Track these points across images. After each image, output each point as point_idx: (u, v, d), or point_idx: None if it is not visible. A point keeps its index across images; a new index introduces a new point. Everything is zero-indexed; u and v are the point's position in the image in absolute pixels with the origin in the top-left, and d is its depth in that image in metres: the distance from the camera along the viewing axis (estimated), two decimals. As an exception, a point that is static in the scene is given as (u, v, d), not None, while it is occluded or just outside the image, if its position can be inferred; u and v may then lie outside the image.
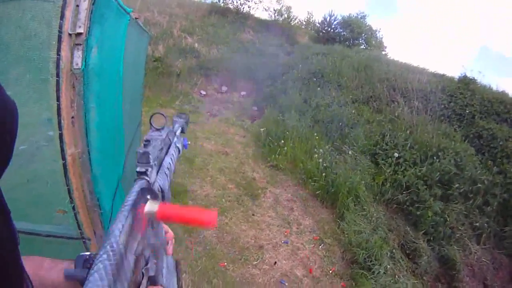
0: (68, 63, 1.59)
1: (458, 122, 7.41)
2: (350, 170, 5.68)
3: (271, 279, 3.96)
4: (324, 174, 5.71)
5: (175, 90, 9.95)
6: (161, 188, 0.73)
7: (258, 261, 4.18)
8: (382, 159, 6.11)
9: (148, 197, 0.63)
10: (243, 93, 10.75)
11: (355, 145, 6.46)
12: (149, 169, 0.69)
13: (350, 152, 6.24)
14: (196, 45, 12.14)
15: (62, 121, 1.63)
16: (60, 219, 1.99)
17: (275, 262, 4.23)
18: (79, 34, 1.59)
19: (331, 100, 8.15)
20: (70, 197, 1.80)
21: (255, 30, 15.07)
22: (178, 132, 1.13)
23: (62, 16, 1.56)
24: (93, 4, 1.67)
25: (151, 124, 0.89)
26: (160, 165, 0.80)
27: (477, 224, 5.37)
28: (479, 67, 31.47)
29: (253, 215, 5.02)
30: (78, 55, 1.61)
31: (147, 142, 0.74)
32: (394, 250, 4.75)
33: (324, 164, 5.94)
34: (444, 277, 4.84)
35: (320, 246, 4.70)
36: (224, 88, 10.88)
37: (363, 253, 4.44)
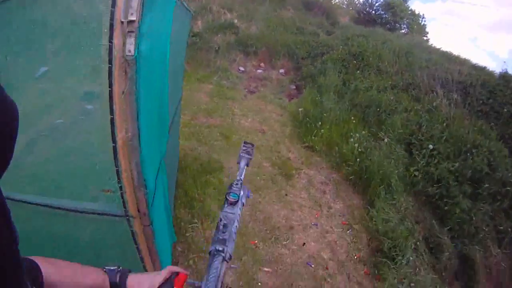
0: (121, 50, 1.59)
1: (495, 120, 7.14)
2: (384, 158, 5.64)
3: (298, 260, 4.07)
4: (358, 159, 5.69)
5: (214, 66, 9.84)
6: (230, 255, 0.89)
7: (288, 241, 4.28)
8: (417, 150, 6.02)
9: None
10: (281, 70, 10.52)
11: (391, 133, 6.36)
12: (225, 248, 0.88)
13: (386, 140, 6.18)
14: (236, 21, 11.92)
15: (114, 106, 1.64)
16: (102, 196, 2.05)
17: (304, 243, 4.32)
18: (132, 21, 1.59)
19: (370, 84, 8.01)
20: (119, 178, 1.84)
21: (295, 8, 14.67)
22: (243, 175, 1.17)
23: (113, 4, 1.54)
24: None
25: (226, 198, 1.00)
26: (230, 234, 0.93)
27: (502, 227, 5.30)
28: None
29: (286, 195, 5.08)
30: (131, 42, 1.60)
31: (225, 228, 0.91)
32: (418, 243, 4.75)
33: (359, 149, 5.91)
34: (461, 275, 4.85)
35: (348, 231, 4.77)
36: (262, 65, 10.67)
37: (388, 243, 4.48)
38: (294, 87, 9.50)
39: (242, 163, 1.23)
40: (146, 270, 2.35)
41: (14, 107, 0.59)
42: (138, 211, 2.02)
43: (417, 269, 4.46)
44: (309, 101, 7.57)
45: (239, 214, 1.02)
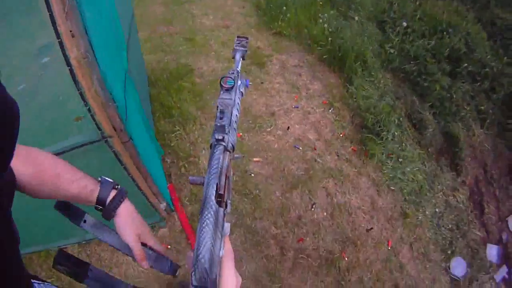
0: None
1: (471, 3, 6.80)
2: (356, 36, 5.34)
3: (286, 144, 4.18)
4: (330, 39, 5.34)
5: None
6: (232, 145, 0.83)
7: (272, 127, 4.31)
8: (390, 27, 5.72)
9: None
10: None
11: (361, 11, 6.02)
12: (225, 136, 0.80)
13: (356, 18, 5.81)
14: None
15: (58, 28, 1.56)
16: (76, 129, 2.12)
17: (288, 127, 4.33)
18: None
19: None
20: (84, 100, 1.84)
21: None
22: (239, 67, 1.15)
23: None
24: None
25: (221, 85, 0.95)
26: (230, 123, 0.87)
27: (483, 107, 5.22)
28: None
29: (261, 83, 4.97)
30: None
31: (222, 114, 0.84)
32: (401, 119, 4.64)
33: (330, 29, 5.53)
34: (447, 153, 4.80)
35: (330, 110, 4.69)
36: None
37: (371, 118, 4.33)
38: None
39: (238, 55, 1.20)
40: (140, 190, 2.52)
41: (14, 105, 0.57)
42: (114, 129, 2.04)
43: (403, 144, 4.44)
44: None
45: (238, 103, 1.00)
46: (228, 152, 0.80)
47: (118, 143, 2.13)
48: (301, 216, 3.52)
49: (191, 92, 4.60)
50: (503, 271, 4.05)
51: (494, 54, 5.69)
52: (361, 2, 6.16)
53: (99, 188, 0.98)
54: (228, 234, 0.72)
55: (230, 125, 0.86)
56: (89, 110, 1.87)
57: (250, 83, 1.26)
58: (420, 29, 5.58)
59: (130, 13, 4.03)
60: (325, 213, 3.61)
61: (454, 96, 4.96)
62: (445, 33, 5.50)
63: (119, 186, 1.03)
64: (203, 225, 0.61)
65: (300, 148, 4.12)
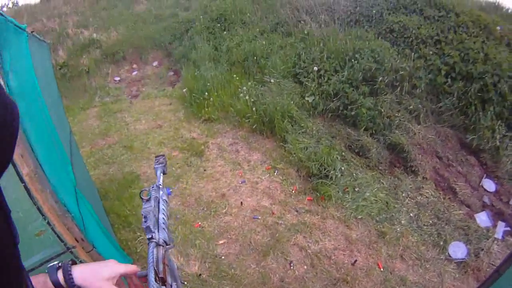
0: None
1: (368, 24, 7.89)
2: (277, 96, 6.09)
3: (244, 218, 4.52)
4: (254, 108, 6.10)
5: (90, 88, 9.80)
6: (163, 240, 1.13)
7: (226, 208, 4.68)
8: (304, 77, 6.55)
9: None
10: (155, 63, 10.76)
11: (275, 73, 6.84)
12: (153, 234, 1.10)
13: (272, 81, 6.62)
14: (95, 35, 11.83)
15: None
16: (42, 243, 2.14)
17: (241, 202, 4.73)
18: None
19: (240, 39, 8.46)
20: (42, 214, 2.00)
21: None
22: (161, 180, 1.42)
23: None
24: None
25: (141, 197, 1.23)
26: (158, 225, 1.17)
27: (411, 107, 5.97)
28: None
29: (204, 170, 5.46)
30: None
31: (145, 219, 1.12)
32: (343, 153, 5.28)
33: (252, 100, 6.30)
34: (398, 162, 5.43)
35: (275, 173, 5.22)
36: (135, 66, 10.80)
37: (315, 165, 4.90)
38: (173, 73, 9.86)
39: (158, 172, 1.47)
40: None
41: (14, 106, 0.60)
42: (76, 240, 2.22)
43: (353, 174, 5.02)
44: (190, 79, 7.89)
45: (163, 208, 1.26)
46: (161, 246, 1.09)
47: (83, 252, 2.29)
48: (283, 278, 3.76)
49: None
50: (501, 227, 4.57)
51: (402, 57, 6.62)
52: (272, 64, 7.06)
53: (48, 276, 1.06)
54: None
55: (157, 225, 1.15)
56: (48, 223, 2.04)
57: (171, 190, 1.66)
58: (331, 67, 6.43)
59: (67, 130, 4.34)
60: (305, 266, 3.90)
61: (382, 110, 5.69)
62: (353, 60, 6.35)
63: (61, 263, 1.09)
64: None
65: (259, 217, 4.48)
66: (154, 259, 1.01)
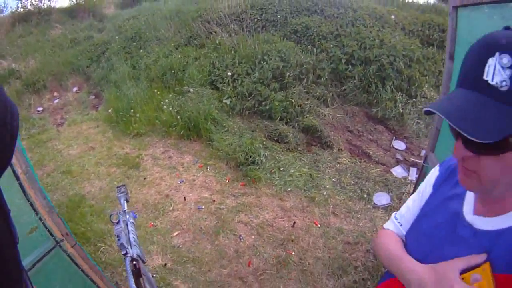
0: None
1: (274, 28, 8.80)
2: (198, 103, 6.79)
3: (190, 210, 5.09)
4: (179, 117, 6.73)
5: None
6: (137, 255, 1.37)
7: (172, 205, 5.20)
8: (220, 82, 7.32)
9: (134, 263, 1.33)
10: (75, 89, 10.85)
11: (193, 83, 7.52)
12: (127, 250, 1.33)
13: (191, 90, 7.30)
14: (13, 65, 11.57)
15: None
16: (33, 242, 2.38)
17: (184, 198, 5.30)
18: None
19: (156, 55, 9.04)
20: (34, 210, 2.28)
21: (61, 22, 14.87)
22: (125, 206, 1.67)
23: None
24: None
25: (111, 221, 1.48)
26: (130, 242, 1.41)
27: (317, 93, 6.97)
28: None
29: (144, 178, 5.93)
30: None
31: (118, 237, 1.37)
32: (264, 142, 6.09)
33: (175, 110, 6.91)
34: (314, 141, 6.38)
35: (208, 169, 5.91)
36: (56, 94, 10.74)
37: (241, 154, 5.67)
38: (94, 97, 10.06)
39: (122, 200, 1.69)
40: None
41: (14, 107, 0.64)
42: (62, 234, 2.50)
43: (276, 157, 5.87)
44: (113, 100, 8.29)
45: (131, 230, 1.49)
46: (136, 260, 1.30)
47: (69, 246, 2.57)
48: (237, 250, 4.30)
49: (93, 214, 5.16)
50: (413, 172, 5.56)
51: (306, 53, 7.62)
52: (189, 75, 7.71)
53: None
54: None
55: (129, 243, 1.35)
56: (40, 218, 2.30)
57: (136, 214, 1.97)
58: (243, 71, 7.23)
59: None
60: (253, 237, 4.50)
61: (293, 101, 6.61)
62: (263, 61, 7.21)
63: None
64: None
65: (203, 207, 5.06)
66: (131, 270, 1.23)
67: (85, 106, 9.80)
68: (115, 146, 7.12)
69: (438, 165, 1.26)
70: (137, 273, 1.35)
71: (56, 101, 10.51)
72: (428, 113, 0.83)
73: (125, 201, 1.71)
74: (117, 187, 1.77)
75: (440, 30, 8.45)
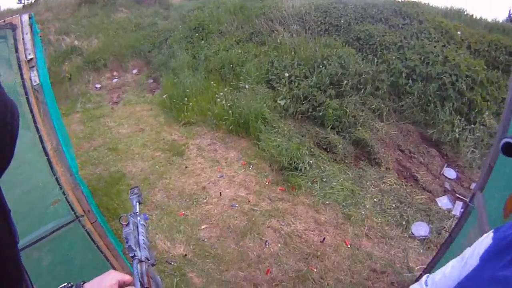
0: (29, 82, 2.27)
1: (336, 33, 8.67)
2: (251, 101, 6.80)
3: (223, 206, 5.16)
4: (230, 111, 6.80)
5: (72, 94, 10.18)
6: (145, 257, 1.32)
7: (207, 198, 5.32)
8: (276, 82, 7.32)
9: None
10: (134, 71, 11.20)
11: (249, 79, 7.56)
12: (135, 252, 1.29)
13: (247, 86, 7.35)
14: (76, 42, 12.14)
15: (38, 126, 2.29)
16: (55, 212, 2.56)
17: (220, 193, 5.37)
18: (31, 59, 2.32)
19: (217, 48, 9.16)
20: (59, 184, 2.42)
21: (127, 7, 15.37)
22: (137, 208, 1.61)
23: (16, 50, 2.26)
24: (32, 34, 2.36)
25: (120, 223, 1.43)
26: (139, 245, 1.36)
27: (374, 106, 6.75)
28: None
29: (186, 167, 6.07)
30: (35, 74, 2.30)
31: (126, 240, 1.32)
32: (312, 149, 6.02)
33: (228, 104, 7.00)
34: (362, 155, 6.20)
35: (250, 168, 5.91)
36: (116, 74, 11.20)
37: (285, 159, 5.62)
38: (152, 81, 10.36)
39: (134, 201, 1.65)
40: (115, 269, 2.79)
41: (14, 107, 0.64)
42: (83, 210, 2.63)
43: (321, 167, 5.74)
44: (169, 86, 8.51)
45: (142, 232, 1.45)
46: (143, 262, 1.26)
47: (88, 222, 2.66)
48: (259, 255, 4.30)
49: (129, 193, 5.51)
50: (459, 205, 5.25)
51: (366, 62, 7.41)
52: (247, 71, 7.77)
53: None
54: None
55: (138, 245, 1.33)
56: (63, 193, 2.42)
57: (149, 216, 2.13)
58: (301, 73, 7.19)
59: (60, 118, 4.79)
60: (279, 245, 4.47)
61: (348, 110, 6.45)
62: (321, 66, 7.12)
63: (72, 284, 1.19)
64: None
65: (237, 205, 5.09)
66: (139, 273, 1.21)
67: (142, 88, 10.14)
68: (164, 131, 7.34)
69: (492, 231, 1.02)
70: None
71: (115, 80, 10.95)
72: (507, 146, 0.67)
73: (137, 203, 1.68)
74: (130, 189, 1.73)
75: (507, 53, 7.85)
